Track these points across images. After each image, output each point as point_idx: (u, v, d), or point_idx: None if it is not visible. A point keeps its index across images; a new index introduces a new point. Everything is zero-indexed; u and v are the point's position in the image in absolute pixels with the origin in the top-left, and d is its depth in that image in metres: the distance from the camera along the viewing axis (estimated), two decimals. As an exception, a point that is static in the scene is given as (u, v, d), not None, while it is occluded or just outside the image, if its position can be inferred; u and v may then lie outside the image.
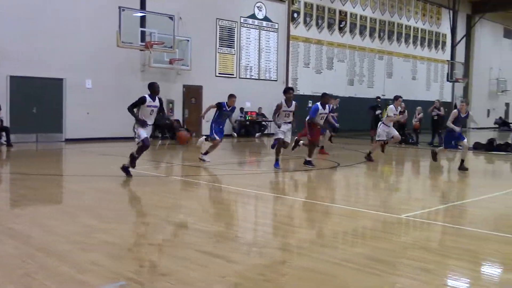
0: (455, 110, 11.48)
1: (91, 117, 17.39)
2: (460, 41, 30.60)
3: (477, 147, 16.68)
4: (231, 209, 6.87)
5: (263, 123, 22.18)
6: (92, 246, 4.83)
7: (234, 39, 21.53)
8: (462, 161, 11.33)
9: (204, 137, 12.22)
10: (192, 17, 19.66)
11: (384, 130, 12.62)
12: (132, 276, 4.01)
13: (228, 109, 11.53)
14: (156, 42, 18.11)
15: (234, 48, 21.53)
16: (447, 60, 30.33)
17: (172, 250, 4.85)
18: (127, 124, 19.13)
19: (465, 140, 11.47)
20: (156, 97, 9.08)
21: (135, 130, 9.00)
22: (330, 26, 25.10)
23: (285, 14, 23.30)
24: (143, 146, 8.98)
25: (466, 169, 11.12)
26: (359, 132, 22.35)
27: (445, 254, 4.93)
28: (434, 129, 19.22)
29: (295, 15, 23.66)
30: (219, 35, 21.01)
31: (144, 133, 8.92)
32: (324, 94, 11.59)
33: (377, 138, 12.89)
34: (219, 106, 11.46)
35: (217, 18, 20.81)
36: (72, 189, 8.44)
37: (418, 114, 19.37)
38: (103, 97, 17.53)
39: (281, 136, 10.81)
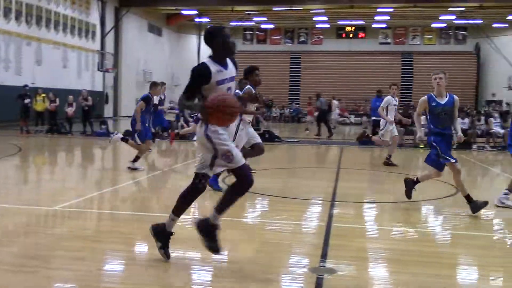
0: (425, 97, 6.67)
1: None
2: (109, 32, 31.56)
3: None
4: None
5: None
6: None
7: None
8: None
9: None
10: None
11: None
12: None
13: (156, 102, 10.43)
14: None
15: None
16: (98, 50, 30.85)
17: None
18: None
19: (456, 161, 6.42)
20: (228, 60, 4.28)
21: (212, 141, 4.07)
22: (-33, 4, 22.28)
23: None
24: (245, 181, 4.07)
25: (476, 210, 6.36)
26: (6, 122, 20.64)
27: (99, 240, 5.12)
28: (84, 118, 19.24)
29: None
30: None
31: (231, 143, 4.19)
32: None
33: None
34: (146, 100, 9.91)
35: None
36: None
37: (71, 103, 19.21)
38: None
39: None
